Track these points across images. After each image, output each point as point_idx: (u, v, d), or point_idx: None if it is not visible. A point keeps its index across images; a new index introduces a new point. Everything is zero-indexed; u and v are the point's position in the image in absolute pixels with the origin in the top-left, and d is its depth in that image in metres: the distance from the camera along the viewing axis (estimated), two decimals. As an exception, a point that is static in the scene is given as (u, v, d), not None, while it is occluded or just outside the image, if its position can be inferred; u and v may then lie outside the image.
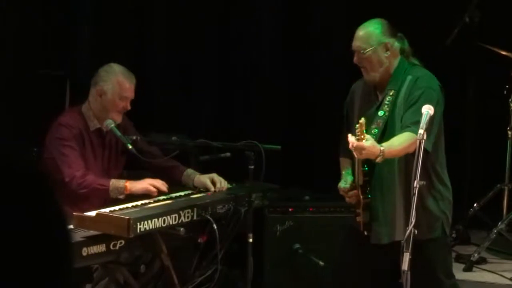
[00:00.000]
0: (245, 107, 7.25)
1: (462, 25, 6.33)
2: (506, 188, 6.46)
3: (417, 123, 4.22)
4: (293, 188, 6.33)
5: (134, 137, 5.20)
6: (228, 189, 5.31)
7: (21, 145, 5.45)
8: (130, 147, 5.08)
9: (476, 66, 6.60)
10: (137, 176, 5.19)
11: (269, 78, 7.21)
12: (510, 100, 6.32)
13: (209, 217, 4.95)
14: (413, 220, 4.02)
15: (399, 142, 4.29)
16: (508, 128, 6.36)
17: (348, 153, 4.69)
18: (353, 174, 4.58)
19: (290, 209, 5.83)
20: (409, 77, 4.54)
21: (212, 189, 5.25)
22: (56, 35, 6.94)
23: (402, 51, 4.61)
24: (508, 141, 6.39)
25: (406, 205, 4.34)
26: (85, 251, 4.44)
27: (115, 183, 5.00)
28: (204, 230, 5.06)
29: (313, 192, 6.16)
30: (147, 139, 5.47)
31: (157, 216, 4.67)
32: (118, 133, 5.14)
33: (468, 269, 6.03)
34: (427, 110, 4.23)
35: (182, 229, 4.79)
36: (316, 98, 7.22)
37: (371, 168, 4.46)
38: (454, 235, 6.34)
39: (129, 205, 4.84)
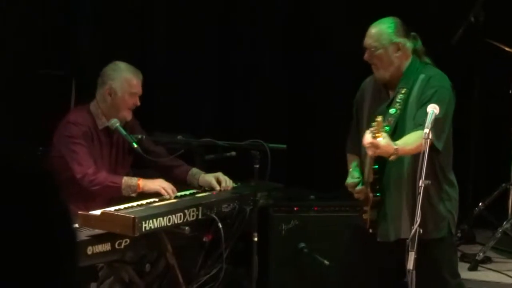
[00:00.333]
0: (245, 107, 7.23)
1: (467, 24, 6.31)
2: (511, 187, 6.44)
3: None
4: (297, 187, 6.31)
5: (140, 136, 5.18)
6: (233, 188, 5.30)
7: (22, 145, 5.40)
8: (135, 146, 5.05)
9: (481, 65, 6.58)
10: (143, 174, 5.16)
11: (269, 78, 7.19)
12: (515, 99, 6.31)
13: (214, 216, 4.95)
14: (418, 219, 4.00)
15: (413, 140, 4.26)
16: (513, 127, 6.35)
17: (356, 150, 4.67)
18: (362, 171, 4.56)
19: (295, 208, 5.82)
20: (421, 76, 4.52)
21: (217, 188, 5.24)
22: (56, 35, 6.91)
23: (414, 51, 4.59)
24: (513, 140, 6.38)
25: (413, 204, 4.32)
26: (90, 250, 4.43)
27: (127, 180, 4.97)
28: (209, 229, 5.06)
29: (314, 191, 6.14)
30: (152, 138, 5.44)
31: (162, 215, 4.67)
32: (124, 132, 5.11)
33: (473, 268, 6.01)
34: (432, 109, 4.21)
35: (187, 228, 4.78)
36: (316, 98, 7.21)
37: (382, 166, 4.44)
38: (459, 235, 6.32)
39: (134, 204, 4.84)
